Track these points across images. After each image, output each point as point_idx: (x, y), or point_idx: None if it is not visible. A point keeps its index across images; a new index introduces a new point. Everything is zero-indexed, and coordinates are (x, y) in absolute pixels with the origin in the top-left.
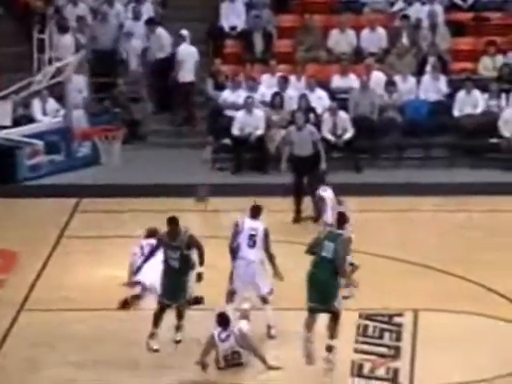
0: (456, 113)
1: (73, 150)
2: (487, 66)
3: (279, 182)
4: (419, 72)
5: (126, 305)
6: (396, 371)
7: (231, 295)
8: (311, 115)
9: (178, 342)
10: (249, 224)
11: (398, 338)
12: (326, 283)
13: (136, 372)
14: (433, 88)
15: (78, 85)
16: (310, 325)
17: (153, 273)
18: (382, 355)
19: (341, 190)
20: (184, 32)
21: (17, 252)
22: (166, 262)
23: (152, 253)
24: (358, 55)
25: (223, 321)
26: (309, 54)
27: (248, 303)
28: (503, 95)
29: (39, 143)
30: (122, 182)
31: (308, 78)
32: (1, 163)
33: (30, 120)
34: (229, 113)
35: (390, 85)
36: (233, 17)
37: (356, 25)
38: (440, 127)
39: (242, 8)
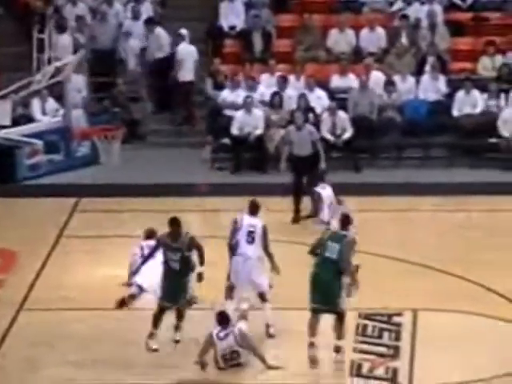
0: (455, 113)
1: (72, 149)
2: (486, 66)
3: (278, 182)
4: (418, 72)
5: (123, 304)
6: (395, 371)
7: (230, 291)
8: (310, 115)
9: (177, 341)
10: (247, 221)
11: (397, 338)
12: (329, 284)
13: (135, 371)
14: (432, 88)
15: (78, 84)
16: (313, 326)
17: (151, 274)
18: (381, 355)
19: (340, 190)
20: (183, 31)
21: (16, 251)
22: (165, 263)
23: (150, 254)
24: (357, 55)
25: (223, 320)
26: (308, 54)
27: (246, 304)
28: (502, 95)
29: (38, 143)
30: (121, 181)
31: (307, 78)
32: (0, 163)
33: (30, 119)
34: (228, 112)
35: (390, 84)
36: (232, 16)
37: (355, 24)
38: (439, 127)
39: (241, 8)
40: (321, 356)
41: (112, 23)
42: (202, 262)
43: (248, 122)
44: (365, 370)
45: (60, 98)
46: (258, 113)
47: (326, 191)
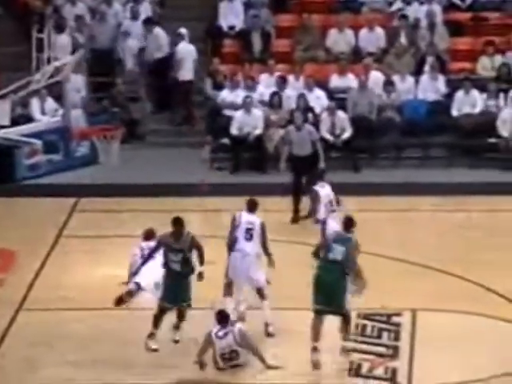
0: (454, 112)
1: (71, 149)
2: (485, 66)
3: (278, 182)
4: (417, 72)
5: (120, 301)
6: (394, 371)
7: (228, 287)
8: (310, 115)
9: (176, 341)
10: (246, 218)
11: (397, 338)
12: (334, 285)
13: (135, 371)
14: (431, 88)
15: (77, 84)
16: (317, 329)
17: (149, 273)
18: (380, 355)
19: (339, 190)
20: (182, 30)
21: (15, 251)
22: (166, 264)
23: (150, 255)
24: (357, 55)
25: (222, 318)
26: (307, 54)
27: (244, 306)
28: (501, 95)
29: (38, 143)
30: (120, 181)
31: (306, 78)
32: None
33: (29, 119)
34: (227, 112)
35: (389, 84)
36: (231, 16)
37: (354, 24)
38: (438, 127)
39: (240, 7)
40: (321, 357)
41: (111, 23)
42: (201, 262)
43: (247, 121)
44: (364, 369)
45: (59, 98)
46: (258, 113)
47: (324, 190)
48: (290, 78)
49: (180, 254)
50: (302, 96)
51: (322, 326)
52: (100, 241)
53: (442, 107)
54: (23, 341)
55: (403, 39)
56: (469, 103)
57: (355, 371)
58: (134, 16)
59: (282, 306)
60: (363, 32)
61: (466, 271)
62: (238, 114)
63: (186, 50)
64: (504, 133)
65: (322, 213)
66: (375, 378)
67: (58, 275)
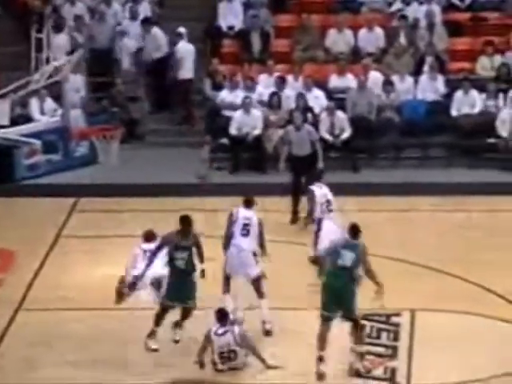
0: (454, 113)
1: (70, 149)
2: (485, 66)
3: (277, 182)
4: (417, 72)
5: (121, 295)
6: (393, 371)
7: (226, 283)
8: (309, 115)
9: (176, 341)
10: (243, 213)
11: (396, 338)
12: (342, 290)
13: (134, 371)
14: (430, 88)
15: (76, 84)
16: (323, 337)
17: (150, 272)
18: (379, 355)
19: (338, 190)
20: (181, 29)
21: (14, 251)
22: (171, 262)
23: (154, 255)
24: (356, 55)
25: (222, 316)
26: (306, 54)
27: (241, 311)
28: (501, 95)
29: (37, 142)
30: (120, 181)
31: (305, 78)
32: None
33: (28, 119)
34: (227, 113)
35: (388, 85)
36: (230, 16)
37: (353, 24)
38: (438, 127)
39: (239, 8)
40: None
41: (110, 23)
42: (202, 260)
43: (246, 122)
44: (363, 369)
45: (58, 98)
46: (257, 113)
47: (321, 190)
48: (289, 78)
49: (186, 251)
50: (301, 96)
51: (329, 334)
52: (99, 241)
53: (442, 107)
54: (22, 341)
55: (402, 39)
56: (468, 103)
57: (355, 371)
58: (133, 16)
59: (282, 305)
60: (362, 32)
61: (466, 271)
62: (237, 114)
63: (186, 49)
64: (503, 133)
65: (316, 213)
66: (374, 378)
67: (58, 275)
